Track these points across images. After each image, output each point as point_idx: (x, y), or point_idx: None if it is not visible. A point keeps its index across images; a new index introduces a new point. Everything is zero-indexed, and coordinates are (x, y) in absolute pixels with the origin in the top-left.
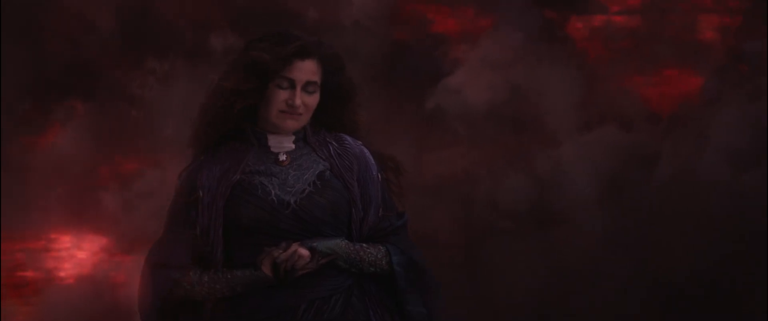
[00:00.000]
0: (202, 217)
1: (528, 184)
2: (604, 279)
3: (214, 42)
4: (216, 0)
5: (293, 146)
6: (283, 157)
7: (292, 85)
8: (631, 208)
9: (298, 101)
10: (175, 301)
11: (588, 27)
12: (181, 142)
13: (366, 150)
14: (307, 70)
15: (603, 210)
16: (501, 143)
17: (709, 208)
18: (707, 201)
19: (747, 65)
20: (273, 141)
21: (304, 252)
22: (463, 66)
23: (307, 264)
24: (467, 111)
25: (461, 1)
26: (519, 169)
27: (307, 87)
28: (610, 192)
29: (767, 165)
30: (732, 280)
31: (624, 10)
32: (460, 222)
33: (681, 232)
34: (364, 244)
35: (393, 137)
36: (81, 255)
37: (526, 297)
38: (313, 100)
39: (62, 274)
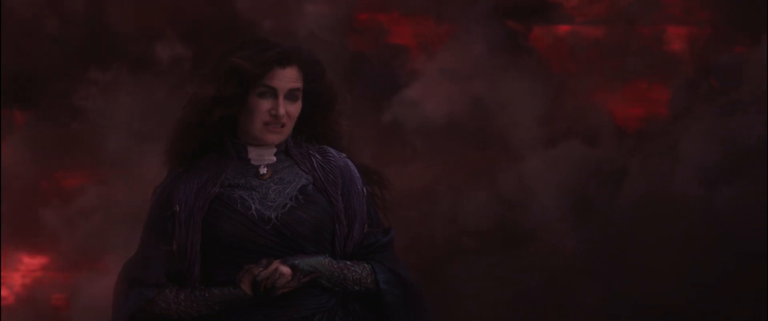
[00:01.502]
0: (178, 233)
1: (491, 201)
2: (573, 300)
3: (160, 52)
4: (163, 8)
5: (274, 159)
6: (263, 171)
7: (274, 94)
8: (600, 226)
9: (282, 110)
10: (150, 320)
11: (552, 37)
12: (125, 157)
13: (351, 163)
14: (288, 77)
15: (570, 228)
16: (462, 158)
17: (679, 226)
18: (678, 218)
19: (717, 79)
20: (253, 153)
21: (286, 270)
22: (422, 77)
23: (289, 282)
24: (426, 125)
25: (420, 10)
26: (481, 185)
27: (289, 95)
28: (577, 209)
29: None
30: (706, 300)
31: (589, 20)
32: (421, 241)
33: (652, 250)
34: (349, 262)
35: (348, 152)
36: (19, 275)
37: (491, 319)
38: (296, 108)
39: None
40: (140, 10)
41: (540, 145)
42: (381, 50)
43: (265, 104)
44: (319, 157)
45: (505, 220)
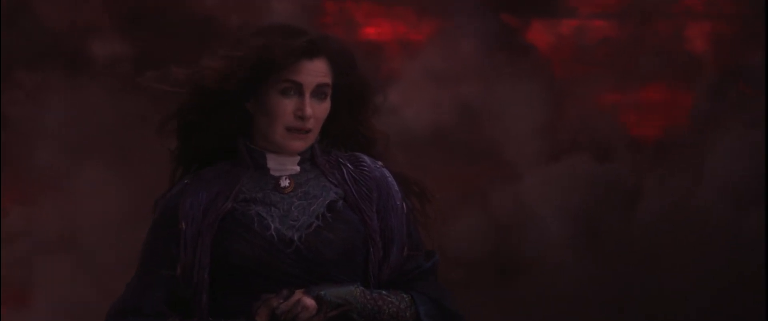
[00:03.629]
0: (184, 255)
1: (483, 225)
2: None
3: (97, 50)
4: None
5: (298, 169)
6: (285, 183)
7: (300, 91)
8: (611, 255)
9: (308, 110)
10: None
11: (554, 34)
12: (57, 173)
13: (388, 173)
14: (316, 71)
15: (576, 258)
16: (449, 176)
17: (704, 254)
18: (702, 246)
19: (746, 82)
20: (273, 162)
21: (310, 302)
22: (401, 80)
23: (313, 317)
24: (406, 135)
25: (399, 1)
26: (472, 207)
27: (317, 92)
28: (584, 235)
29: None
30: None
31: (598, 14)
32: None
33: (671, 282)
34: (384, 292)
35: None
36: None
37: None
38: (324, 109)
39: None
40: (73, 1)
41: (540, 160)
42: (354, 47)
43: (289, 104)
44: (351, 167)
45: (500, 249)
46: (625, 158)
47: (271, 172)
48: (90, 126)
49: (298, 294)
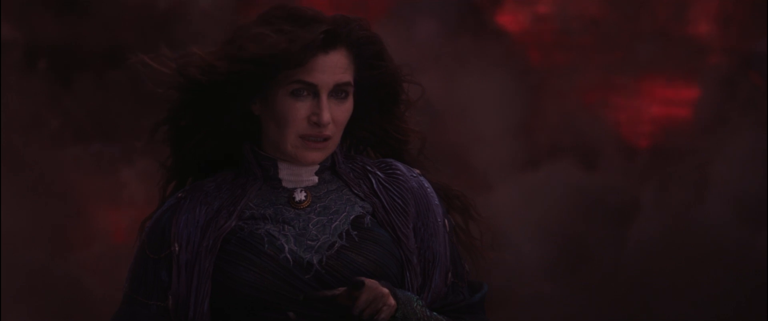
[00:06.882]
0: (177, 283)
1: None
2: None
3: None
4: None
5: (316, 179)
6: (301, 197)
7: (315, 92)
8: (598, 284)
9: (326, 116)
10: None
11: (531, 14)
12: None
13: (427, 183)
14: (334, 67)
15: (556, 287)
16: None
17: (709, 280)
18: (707, 270)
19: (759, 72)
20: (286, 172)
21: (393, 302)
22: None
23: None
24: None
25: None
26: None
27: (336, 92)
28: (566, 260)
29: None
30: None
31: None
32: None
33: (671, 315)
34: (436, 314)
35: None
36: None
37: None
38: (345, 110)
39: None
40: None
41: (514, 167)
42: None
43: (301, 108)
44: (382, 175)
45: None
46: (617, 166)
47: (284, 184)
48: None
49: (377, 286)
